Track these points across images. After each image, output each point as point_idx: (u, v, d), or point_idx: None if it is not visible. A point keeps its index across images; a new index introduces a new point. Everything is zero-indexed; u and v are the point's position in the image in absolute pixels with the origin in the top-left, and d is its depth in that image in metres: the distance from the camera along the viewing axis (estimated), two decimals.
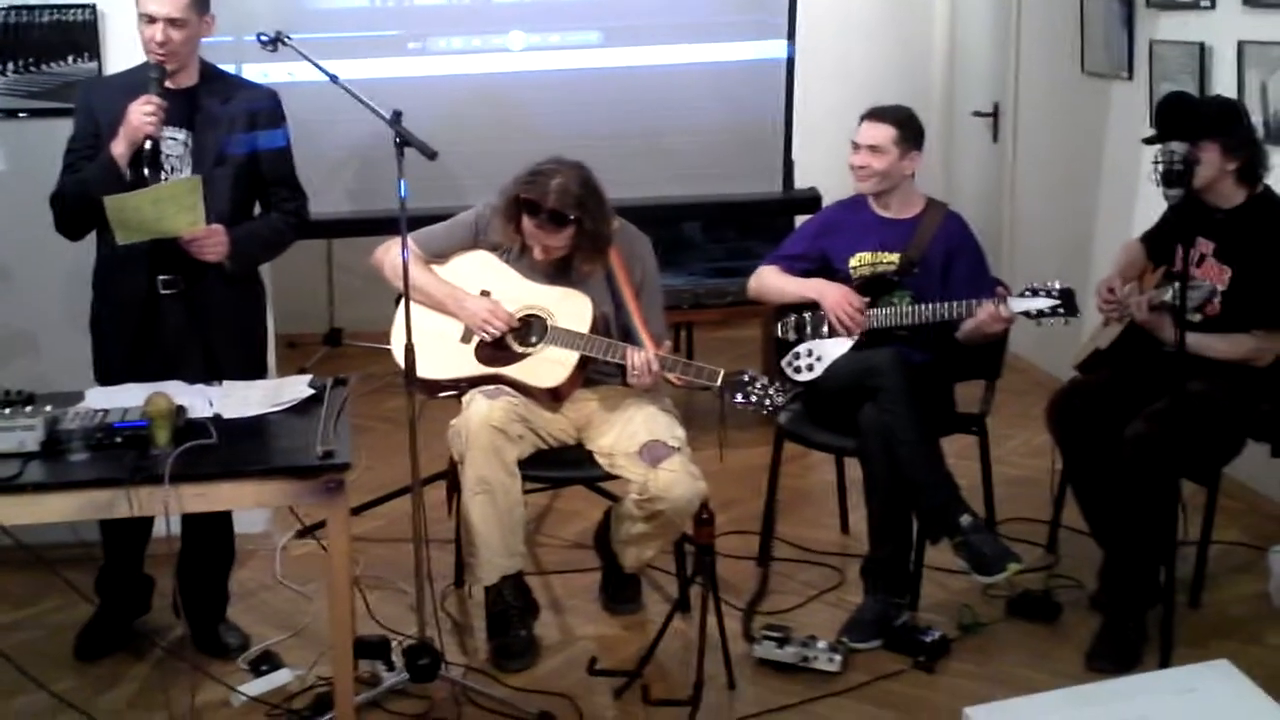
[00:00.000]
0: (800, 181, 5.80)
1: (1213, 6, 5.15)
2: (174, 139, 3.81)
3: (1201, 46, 5.20)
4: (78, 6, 4.44)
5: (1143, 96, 5.64)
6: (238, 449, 3.32)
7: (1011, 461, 5.46)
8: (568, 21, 5.30)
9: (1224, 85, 5.05)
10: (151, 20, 3.74)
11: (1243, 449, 4.23)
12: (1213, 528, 4.28)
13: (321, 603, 4.25)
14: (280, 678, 3.89)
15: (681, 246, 6.27)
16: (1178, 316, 3.77)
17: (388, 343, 4.14)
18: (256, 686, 3.84)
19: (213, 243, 3.79)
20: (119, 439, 3.29)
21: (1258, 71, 4.88)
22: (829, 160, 5.65)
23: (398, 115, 3.62)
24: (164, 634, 4.14)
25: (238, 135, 3.88)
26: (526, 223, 4.02)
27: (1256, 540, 4.65)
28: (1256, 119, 4.54)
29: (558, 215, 3.96)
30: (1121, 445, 3.98)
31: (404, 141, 3.59)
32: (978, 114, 7.25)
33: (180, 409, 3.36)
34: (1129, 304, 4.18)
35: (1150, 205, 4.98)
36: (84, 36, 4.45)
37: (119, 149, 3.72)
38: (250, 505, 3.55)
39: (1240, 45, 4.96)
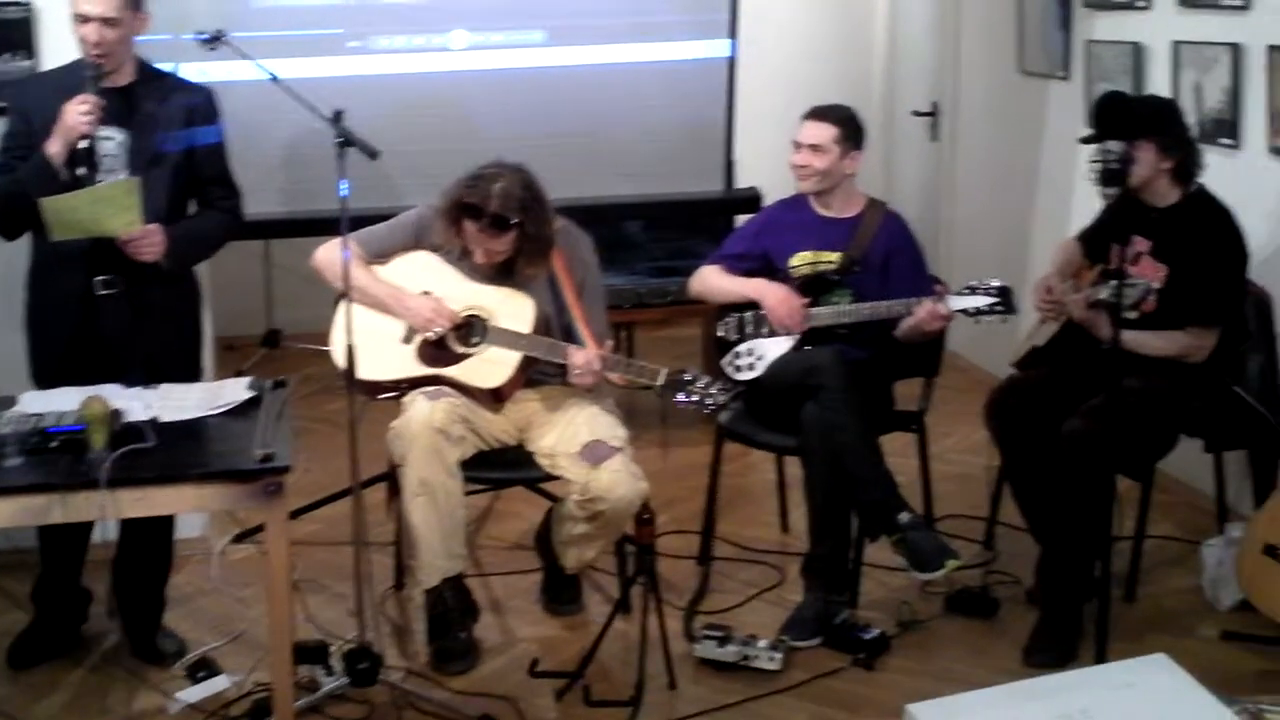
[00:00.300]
0: (741, 180, 5.81)
1: (1148, 7, 5.21)
2: (110, 138, 3.77)
3: (1137, 46, 5.26)
4: (12, 4, 4.38)
5: (1079, 96, 5.70)
6: (176, 452, 3.29)
7: (949, 459, 5.50)
8: (510, 21, 5.29)
9: (1159, 85, 5.12)
10: (85, 20, 3.70)
11: (1176, 444, 4.28)
12: (1147, 522, 4.32)
13: (259, 607, 4.21)
14: (218, 684, 3.86)
15: (623, 246, 6.27)
16: (1114, 314, 3.81)
17: (327, 344, 4.12)
18: (194, 693, 3.80)
19: (150, 242, 3.76)
20: (54, 444, 3.25)
21: (1192, 71, 4.94)
22: (769, 159, 5.67)
23: (339, 115, 3.60)
24: (100, 640, 4.08)
25: (174, 133, 3.85)
26: (468, 227, 4.00)
27: (1189, 534, 4.71)
28: (1191, 118, 4.59)
29: (500, 219, 3.94)
30: (1058, 441, 4.02)
31: (346, 141, 3.56)
32: (917, 113, 7.29)
33: (117, 413, 3.33)
34: (1066, 302, 4.22)
35: (1087, 204, 5.04)
36: (18, 34, 4.39)
37: (54, 148, 3.68)
38: (189, 509, 3.52)
39: (1175, 45, 5.02)
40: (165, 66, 4.05)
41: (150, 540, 3.99)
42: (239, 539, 4.70)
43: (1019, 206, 6.29)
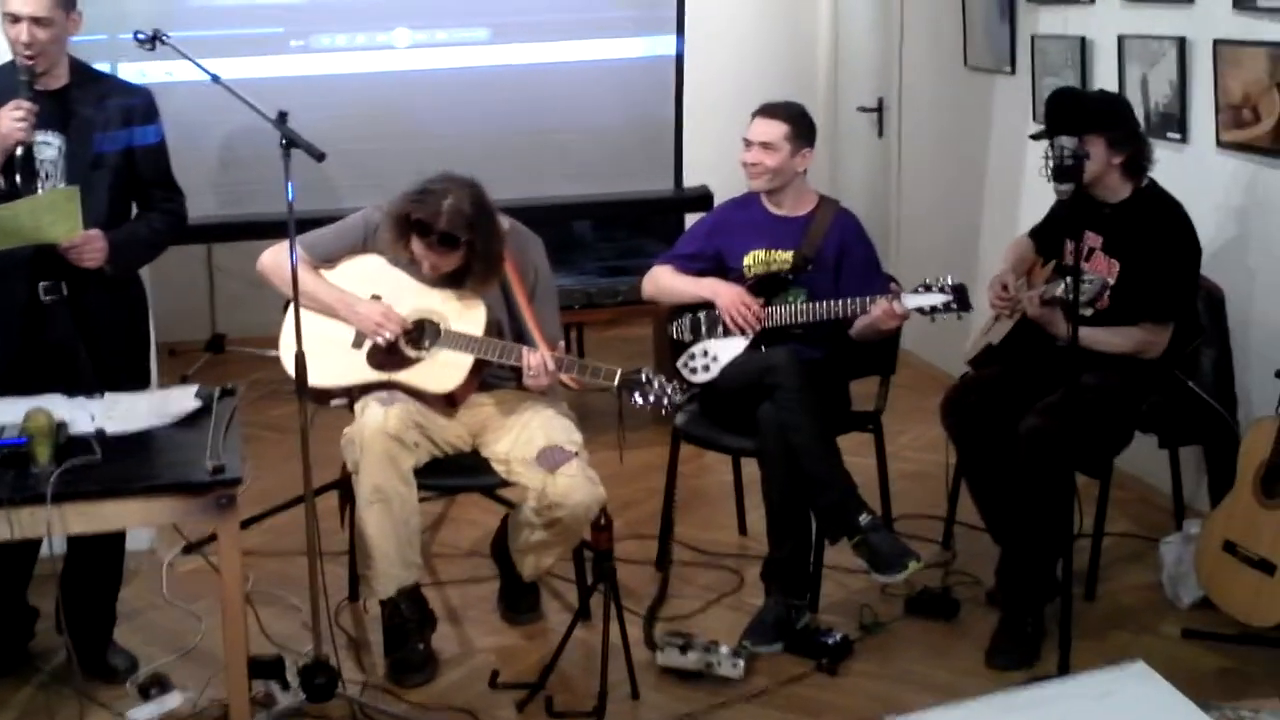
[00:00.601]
0: (688, 179, 5.77)
1: (1092, 1, 5.21)
2: (48, 143, 3.68)
3: (1083, 41, 5.27)
4: None
5: (1025, 91, 5.70)
6: (123, 465, 3.20)
7: (905, 457, 5.48)
8: (454, 18, 5.22)
9: (1105, 79, 5.12)
10: (16, 20, 3.61)
11: (1131, 440, 4.28)
12: (1106, 521, 4.32)
13: (211, 621, 4.12)
14: (171, 701, 3.75)
15: (572, 246, 6.22)
16: (1069, 311, 3.80)
17: (272, 348, 4.04)
18: (146, 711, 3.70)
19: (92, 249, 3.67)
20: None
21: (1138, 65, 4.95)
22: (716, 156, 5.64)
23: (283, 116, 3.51)
24: (48, 657, 3.99)
25: (111, 133, 3.76)
26: (416, 242, 3.92)
27: (1146, 531, 4.71)
28: (1138, 112, 4.59)
29: (448, 237, 3.87)
30: (1015, 440, 4.00)
31: (290, 143, 3.48)
32: (863, 109, 7.28)
33: (62, 425, 3.24)
34: (1021, 299, 4.21)
35: (1036, 199, 5.04)
36: None
37: None
38: (138, 524, 3.43)
39: (1120, 39, 5.03)
40: (102, 67, 3.96)
41: (100, 554, 3.88)
42: (188, 550, 4.61)
43: (967, 202, 6.29)
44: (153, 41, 3.81)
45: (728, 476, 4.96)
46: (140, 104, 3.84)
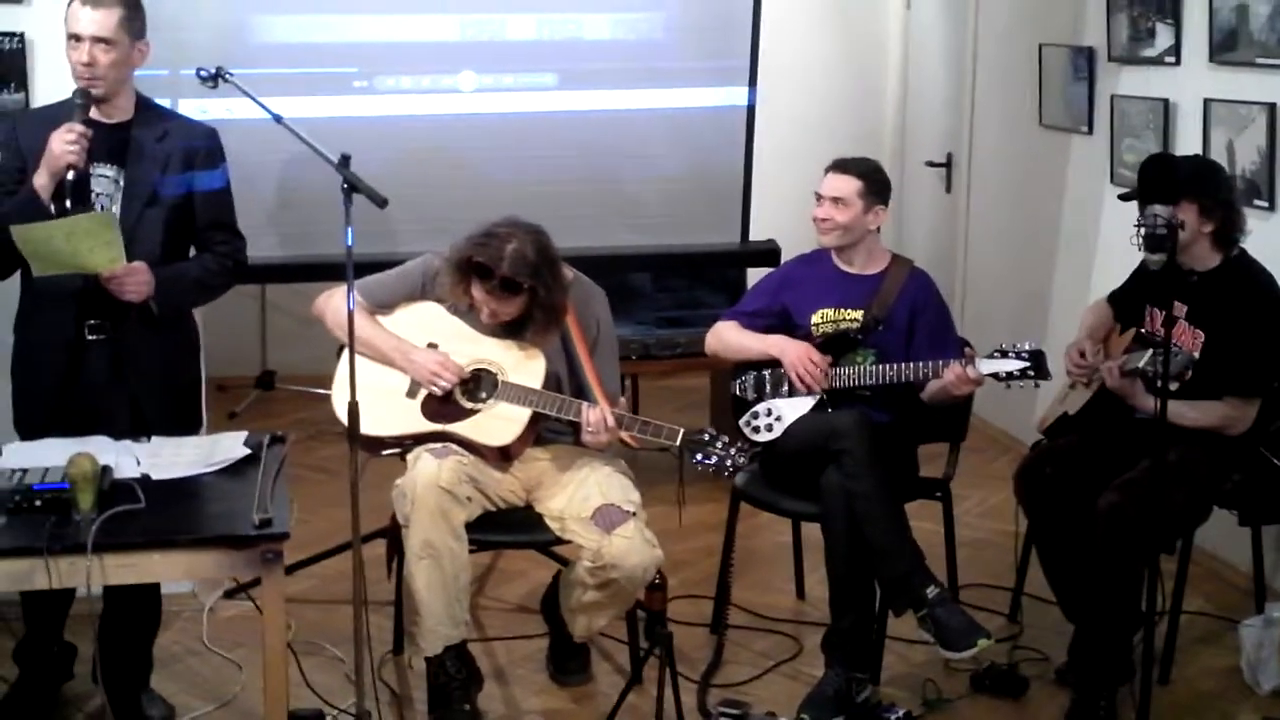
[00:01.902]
0: (754, 232, 5.64)
1: (1177, 62, 5.06)
2: (105, 175, 3.61)
3: (1166, 103, 5.12)
4: (5, 35, 4.22)
5: (1103, 152, 5.55)
6: (167, 514, 3.10)
7: (968, 523, 5.31)
8: (521, 63, 5.12)
9: (1189, 143, 4.97)
10: (78, 40, 3.55)
11: (1209, 515, 4.11)
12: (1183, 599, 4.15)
13: (252, 670, 4.01)
14: None
15: (629, 296, 6.10)
16: (1151, 384, 3.64)
17: (322, 387, 3.93)
18: None
19: (134, 281, 3.58)
20: (39, 502, 3.06)
21: (1224, 130, 4.80)
22: (782, 210, 5.52)
23: (346, 159, 3.40)
24: (83, 703, 3.90)
25: (173, 176, 3.69)
26: (476, 286, 3.82)
27: (1222, 610, 4.54)
28: None
29: (510, 283, 3.76)
30: (1092, 514, 3.85)
31: (353, 187, 3.38)
32: (931, 164, 7.14)
33: (106, 469, 3.14)
34: (1100, 369, 4.06)
35: (1111, 263, 4.90)
36: (12, 67, 4.23)
37: (41, 180, 3.52)
38: (180, 577, 3.33)
39: (1206, 103, 4.88)
40: (163, 102, 3.89)
41: (137, 598, 3.78)
42: (230, 595, 4.50)
43: (1038, 264, 6.14)
44: (215, 79, 3.72)
45: (785, 537, 4.82)
46: (204, 146, 3.77)
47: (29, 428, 3.68)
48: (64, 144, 3.49)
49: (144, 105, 3.74)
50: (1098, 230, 5.55)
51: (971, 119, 6.79)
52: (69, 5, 3.60)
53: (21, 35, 4.21)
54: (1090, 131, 5.69)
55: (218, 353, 6.03)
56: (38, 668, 3.88)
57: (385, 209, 3.43)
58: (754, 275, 4.97)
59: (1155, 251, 3.57)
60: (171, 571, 3.10)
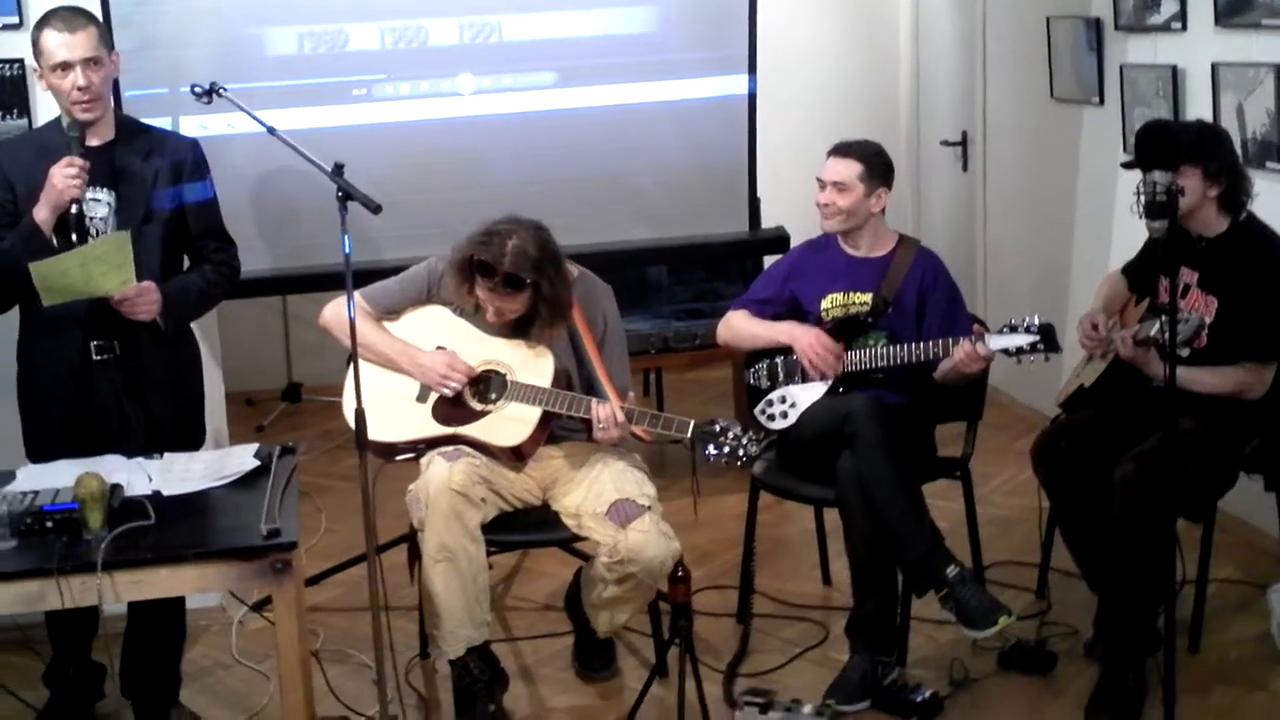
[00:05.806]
0: (765, 219, 5.62)
1: (1184, 29, 5.01)
2: (97, 200, 3.63)
3: (1174, 69, 5.06)
4: (5, 61, 4.24)
5: (1115, 122, 5.50)
6: (176, 530, 3.12)
7: (994, 501, 5.28)
8: (519, 63, 5.10)
9: (1199, 108, 4.91)
10: (67, 68, 3.55)
11: (1235, 482, 4.07)
12: (1209, 566, 4.10)
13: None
14: None
15: (646, 290, 6.11)
16: (1165, 351, 3.60)
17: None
18: None
19: (145, 301, 3.60)
20: (49, 523, 3.08)
21: (1233, 93, 4.74)
22: (794, 197, 5.49)
23: (339, 168, 3.40)
24: None
25: (163, 190, 3.71)
26: (480, 285, 3.83)
27: (1251, 577, 4.49)
28: (1235, 142, 4.37)
29: (513, 279, 3.77)
30: (1111, 486, 3.81)
31: (346, 195, 3.38)
32: (946, 143, 7.10)
33: (115, 488, 3.16)
34: (1113, 340, 4.02)
35: (1128, 232, 4.84)
36: (13, 93, 4.25)
37: (42, 214, 3.53)
38: (191, 591, 3.33)
39: (1214, 67, 4.82)
40: (163, 121, 3.90)
41: (160, 612, 3.80)
42: (257, 608, 4.52)
43: (1056, 237, 6.09)
44: (209, 95, 3.75)
45: (810, 524, 4.80)
46: (190, 159, 3.78)
47: (40, 452, 3.68)
48: (66, 178, 3.50)
49: (122, 123, 3.75)
50: (1114, 201, 5.50)
51: (984, 96, 6.74)
52: (40, 39, 3.59)
53: (21, 61, 4.22)
54: (1101, 103, 5.64)
55: (244, 367, 6.08)
56: (67, 689, 3.90)
57: (388, 213, 3.45)
58: (769, 264, 4.95)
59: (1156, 219, 3.52)
60: (182, 585, 3.11)
